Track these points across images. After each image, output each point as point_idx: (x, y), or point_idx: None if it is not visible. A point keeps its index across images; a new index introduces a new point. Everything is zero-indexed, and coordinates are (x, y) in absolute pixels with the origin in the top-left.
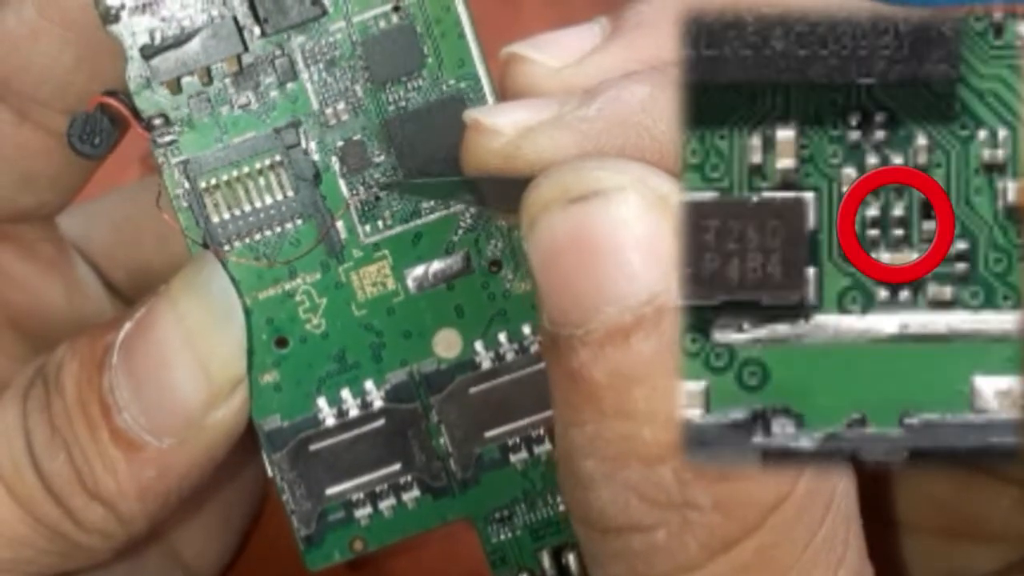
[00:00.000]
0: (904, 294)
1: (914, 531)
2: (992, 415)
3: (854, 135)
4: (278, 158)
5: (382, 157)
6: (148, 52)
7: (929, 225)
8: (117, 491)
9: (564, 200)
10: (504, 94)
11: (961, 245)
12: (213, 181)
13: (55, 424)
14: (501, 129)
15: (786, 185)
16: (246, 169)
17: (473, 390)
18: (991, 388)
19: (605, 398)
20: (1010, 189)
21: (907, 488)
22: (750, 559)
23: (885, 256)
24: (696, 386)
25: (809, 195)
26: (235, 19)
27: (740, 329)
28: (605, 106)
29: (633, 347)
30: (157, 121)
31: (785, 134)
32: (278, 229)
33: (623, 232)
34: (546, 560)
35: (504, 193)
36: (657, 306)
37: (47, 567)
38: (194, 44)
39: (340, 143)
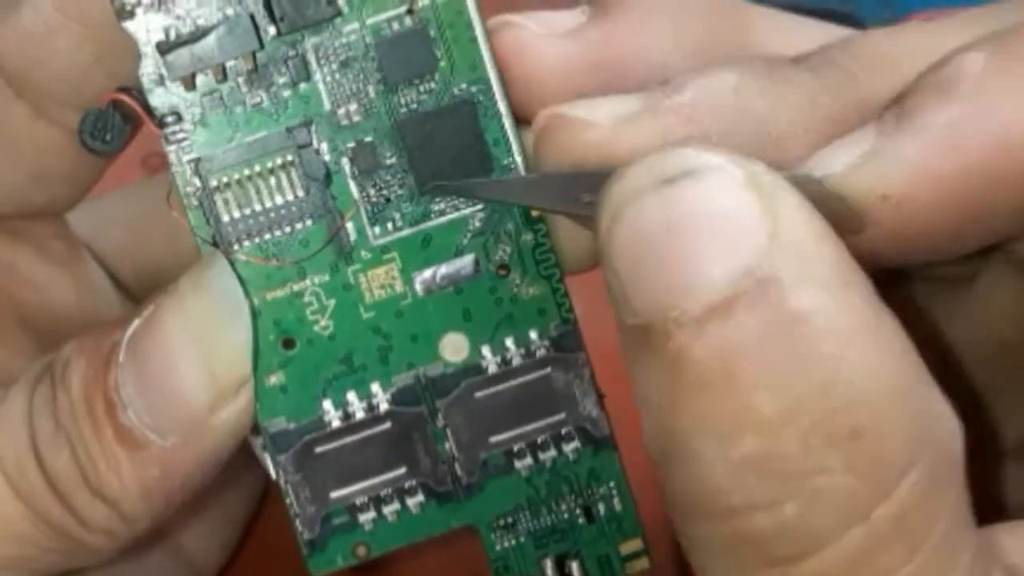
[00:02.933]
0: None
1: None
2: None
3: None
4: (289, 158)
5: (393, 159)
6: (164, 48)
7: None
8: (121, 489)
9: (654, 184)
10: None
11: None
12: (224, 180)
13: (60, 421)
14: (596, 121)
15: None
16: (257, 168)
17: (479, 395)
18: None
19: (711, 374)
20: None
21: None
22: (888, 530)
23: None
24: None
25: None
26: (252, 16)
27: None
28: (697, 94)
29: (734, 319)
30: (169, 118)
31: None
32: (288, 229)
33: (718, 208)
34: (549, 568)
35: (564, 192)
36: (757, 278)
37: (51, 565)
38: (210, 40)
39: (351, 144)
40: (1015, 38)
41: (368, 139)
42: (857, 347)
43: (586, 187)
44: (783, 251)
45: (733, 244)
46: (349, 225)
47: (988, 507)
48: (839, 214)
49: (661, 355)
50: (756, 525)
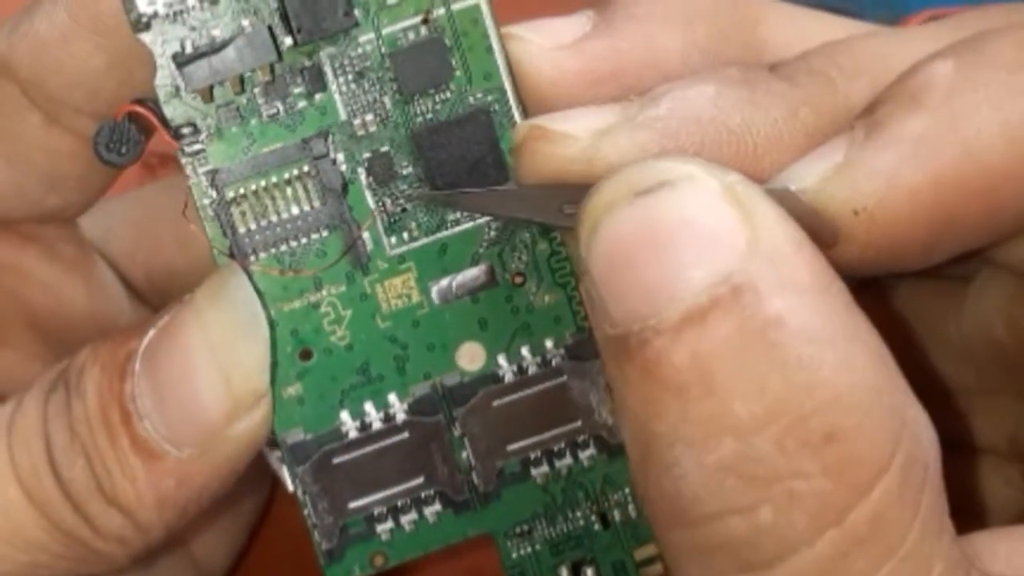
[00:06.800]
0: None
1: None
2: None
3: None
4: (306, 169)
5: (409, 169)
6: (181, 60)
7: None
8: (135, 499)
9: (630, 196)
10: None
11: None
12: (240, 191)
13: (75, 429)
14: (575, 134)
15: None
16: (274, 179)
17: (496, 403)
18: None
19: (687, 380)
20: None
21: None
22: (865, 531)
23: None
24: None
25: None
26: (270, 28)
27: None
28: (674, 105)
29: (711, 326)
30: (185, 130)
31: None
32: (304, 240)
33: (694, 217)
34: (565, 575)
35: (546, 204)
36: (733, 285)
37: (63, 572)
38: (229, 52)
39: (368, 154)
40: (986, 44)
41: (384, 149)
42: (834, 351)
43: (567, 199)
44: (760, 258)
45: (709, 252)
46: (365, 235)
47: (977, 507)
48: (813, 226)
49: (638, 363)
50: (731, 530)
